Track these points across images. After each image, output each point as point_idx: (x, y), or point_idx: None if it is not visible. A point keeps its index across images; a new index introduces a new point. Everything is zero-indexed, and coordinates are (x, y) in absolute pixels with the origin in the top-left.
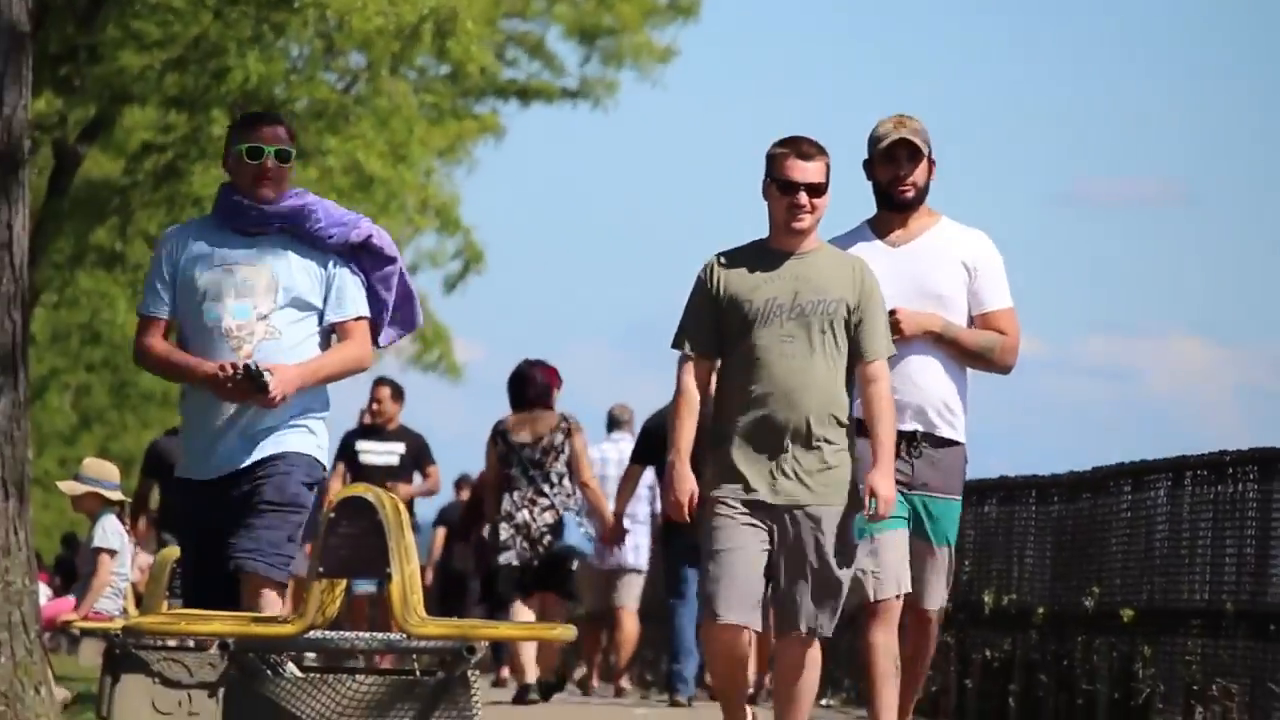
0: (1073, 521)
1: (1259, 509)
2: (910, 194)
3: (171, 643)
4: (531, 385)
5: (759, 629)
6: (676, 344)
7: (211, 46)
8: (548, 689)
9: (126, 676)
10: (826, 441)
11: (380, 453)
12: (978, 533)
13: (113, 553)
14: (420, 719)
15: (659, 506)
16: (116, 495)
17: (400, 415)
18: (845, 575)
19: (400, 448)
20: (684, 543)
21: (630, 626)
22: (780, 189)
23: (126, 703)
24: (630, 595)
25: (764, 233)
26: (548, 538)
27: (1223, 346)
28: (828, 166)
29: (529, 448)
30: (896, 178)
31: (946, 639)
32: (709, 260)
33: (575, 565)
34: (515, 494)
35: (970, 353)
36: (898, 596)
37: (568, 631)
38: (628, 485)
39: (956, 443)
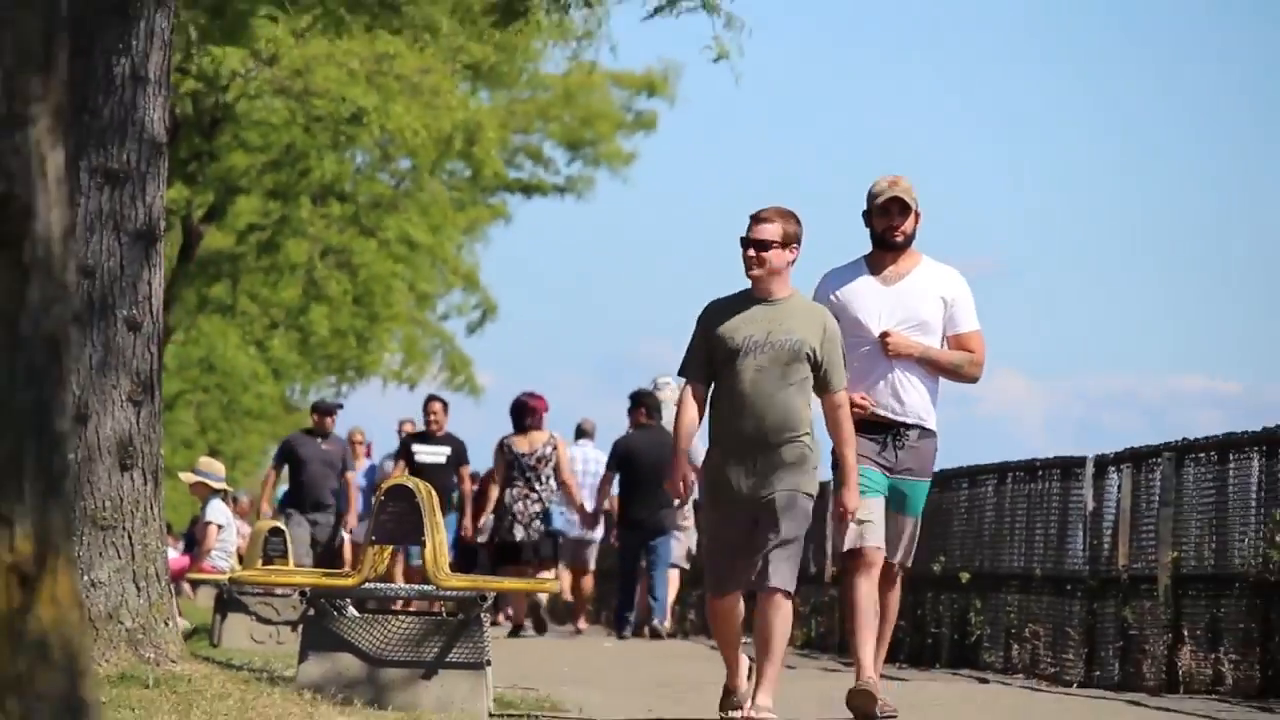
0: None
1: (1060, 501)
2: (900, 239)
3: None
4: (528, 412)
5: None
6: (680, 372)
7: (299, 152)
8: (539, 628)
9: (231, 615)
10: (787, 443)
11: (431, 454)
12: None
13: (219, 526)
14: (445, 650)
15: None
16: (220, 485)
17: (447, 424)
18: (799, 542)
19: (447, 450)
20: (637, 528)
21: (589, 581)
22: (741, 245)
23: (231, 634)
24: (590, 559)
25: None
26: (537, 522)
27: (1037, 381)
28: (784, 228)
29: (526, 457)
30: (890, 226)
31: (833, 594)
32: (705, 306)
33: (560, 541)
34: (514, 490)
35: (943, 368)
36: (878, 548)
37: (553, 584)
38: (605, 487)
39: (931, 433)
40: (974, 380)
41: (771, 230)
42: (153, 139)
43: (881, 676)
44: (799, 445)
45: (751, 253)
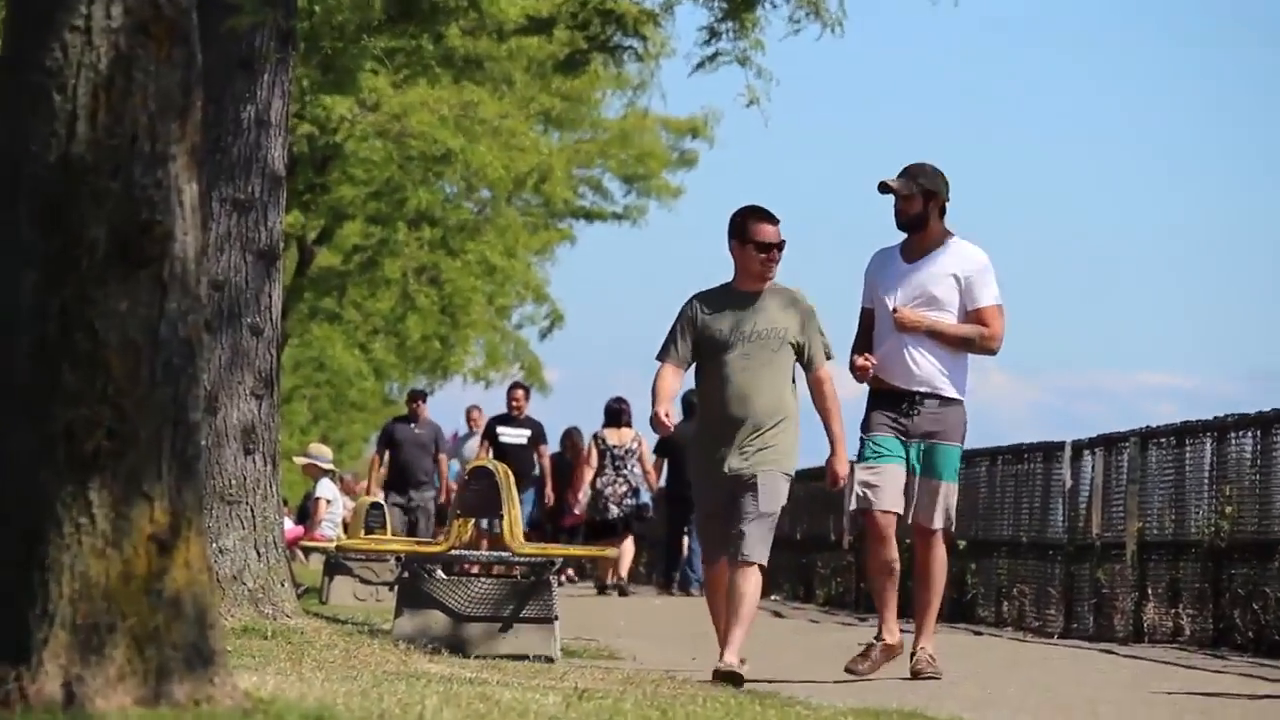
0: None
1: (1043, 478)
2: (903, 219)
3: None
4: (620, 414)
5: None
6: (659, 356)
7: (396, 185)
8: (619, 589)
9: (338, 577)
10: (771, 429)
11: (514, 435)
12: None
13: (328, 501)
14: (520, 607)
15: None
16: (328, 466)
17: (527, 409)
18: (773, 517)
19: (528, 432)
20: (681, 505)
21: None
22: (756, 248)
23: (337, 594)
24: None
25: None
26: (628, 500)
27: (1020, 377)
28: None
29: (617, 448)
30: (896, 210)
31: (850, 559)
32: (690, 298)
33: (649, 514)
34: (604, 478)
35: (953, 341)
36: (885, 512)
37: (612, 551)
38: (658, 468)
39: (953, 400)
40: (991, 353)
41: (779, 231)
42: (274, 173)
43: (903, 631)
44: (781, 427)
45: (775, 255)
